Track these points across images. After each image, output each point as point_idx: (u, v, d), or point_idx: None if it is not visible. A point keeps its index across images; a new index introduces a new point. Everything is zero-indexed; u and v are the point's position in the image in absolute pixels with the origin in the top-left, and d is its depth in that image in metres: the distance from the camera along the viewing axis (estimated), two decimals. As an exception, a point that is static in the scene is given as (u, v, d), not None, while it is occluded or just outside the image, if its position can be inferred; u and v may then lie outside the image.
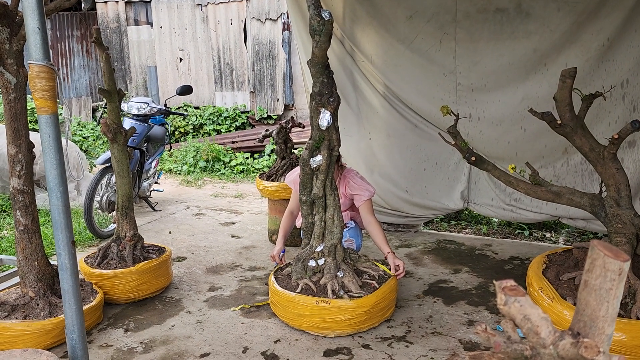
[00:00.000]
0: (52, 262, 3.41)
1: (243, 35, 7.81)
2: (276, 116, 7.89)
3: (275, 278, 2.85)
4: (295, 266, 2.79)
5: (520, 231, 4.33)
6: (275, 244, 4.14)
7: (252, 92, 8.04)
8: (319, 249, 2.78)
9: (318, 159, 2.68)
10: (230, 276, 3.48)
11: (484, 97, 3.85)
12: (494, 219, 4.56)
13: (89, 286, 2.89)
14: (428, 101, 4.03)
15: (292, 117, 4.06)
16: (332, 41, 4.27)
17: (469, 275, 3.40)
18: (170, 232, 4.41)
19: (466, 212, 4.57)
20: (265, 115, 7.89)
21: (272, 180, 4.00)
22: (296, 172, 3.05)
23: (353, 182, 3.10)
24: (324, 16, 2.47)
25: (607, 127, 3.58)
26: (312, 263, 2.77)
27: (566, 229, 4.34)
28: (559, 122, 2.60)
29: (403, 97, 4.13)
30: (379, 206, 4.31)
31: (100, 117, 6.68)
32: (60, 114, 7.04)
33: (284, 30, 7.65)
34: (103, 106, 4.67)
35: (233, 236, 4.32)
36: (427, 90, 4.01)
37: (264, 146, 7.15)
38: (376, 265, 2.88)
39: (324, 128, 2.62)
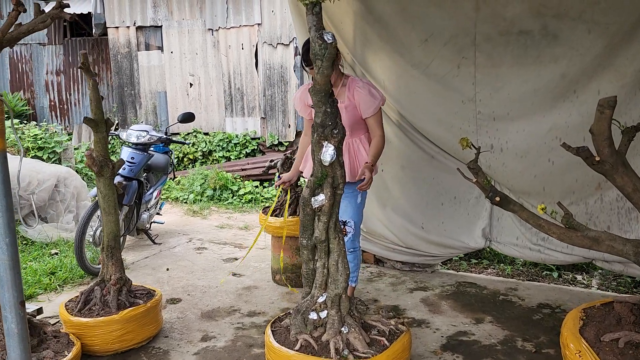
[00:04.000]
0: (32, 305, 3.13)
1: (254, 60, 7.62)
2: (287, 142, 7.63)
3: (272, 331, 2.52)
4: (294, 318, 2.46)
5: (548, 272, 3.95)
6: (278, 283, 3.85)
7: (263, 118, 7.80)
8: (321, 299, 2.45)
9: (320, 199, 2.37)
10: (226, 323, 3.16)
11: (507, 126, 3.52)
12: (503, 254, 4.18)
13: (65, 337, 2.59)
14: (446, 130, 3.72)
15: (298, 147, 3.76)
16: (344, 66, 4.05)
17: (493, 326, 3.03)
18: (167, 269, 4.12)
19: (488, 250, 4.21)
20: (276, 142, 7.64)
21: (275, 216, 3.70)
22: (300, 90, 3.13)
23: (360, 89, 2.99)
24: (326, 39, 2.19)
25: (646, 161, 3.22)
26: (313, 316, 2.43)
27: (599, 271, 3.94)
28: (597, 158, 2.26)
29: (418, 126, 3.83)
30: (392, 243, 3.98)
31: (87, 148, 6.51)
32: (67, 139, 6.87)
33: (295, 55, 7.44)
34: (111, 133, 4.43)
35: (234, 274, 4.01)
36: (444, 119, 3.70)
37: (274, 174, 6.87)
38: (386, 317, 2.53)
39: (327, 163, 2.32)
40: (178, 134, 8.02)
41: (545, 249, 3.63)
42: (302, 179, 3.99)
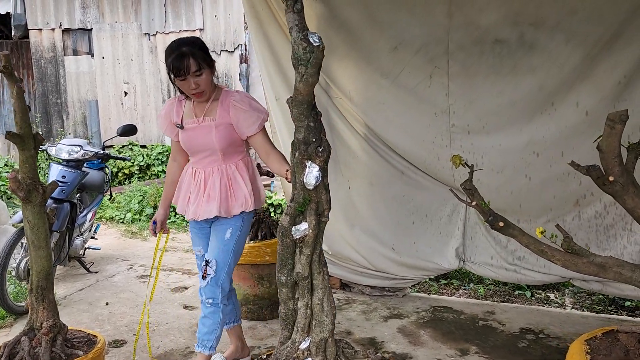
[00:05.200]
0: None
1: (196, 68, 7.15)
2: (233, 156, 7.20)
3: (244, 384, 2.14)
4: (272, 369, 2.09)
5: (520, 292, 3.79)
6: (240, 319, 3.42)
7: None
8: (304, 345, 2.10)
9: (302, 228, 2.03)
10: (183, 369, 2.73)
11: (482, 140, 3.33)
12: (478, 275, 4.01)
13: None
14: (417, 144, 3.47)
15: (259, 165, 3.40)
16: (303, 75, 3.72)
17: (480, 358, 2.79)
18: (107, 304, 3.61)
19: (456, 270, 4.00)
20: (220, 155, 7.19)
21: (234, 241, 3.30)
22: (166, 106, 2.64)
23: (238, 103, 2.48)
24: (312, 41, 1.86)
25: (625, 176, 3.11)
26: (295, 365, 2.08)
27: (570, 288, 3.82)
28: (611, 179, 2.06)
29: (387, 140, 3.56)
30: (361, 266, 3.68)
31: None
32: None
33: (241, 62, 7.05)
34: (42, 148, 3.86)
35: (186, 307, 3.56)
36: (415, 132, 3.46)
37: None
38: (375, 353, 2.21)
39: (311, 187, 1.98)
40: (112, 146, 7.38)
41: (521, 268, 3.45)
42: (273, 196, 3.63)
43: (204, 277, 2.53)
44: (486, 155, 3.34)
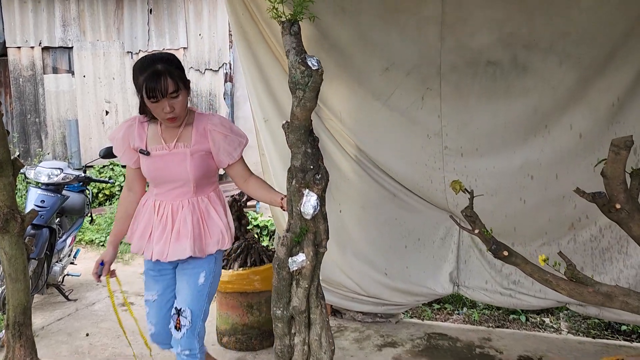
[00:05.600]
0: None
1: (179, 87, 7.04)
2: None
3: None
4: (267, 410, 1.97)
5: (515, 316, 3.71)
6: (226, 347, 3.28)
7: (189, 149, 7.21)
8: (301, 384, 1.98)
9: (300, 260, 1.93)
10: (169, 406, 2.58)
11: (475, 163, 3.27)
12: (472, 300, 3.93)
13: None
14: (409, 167, 3.41)
15: (241, 193, 3.29)
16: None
17: (480, 389, 2.69)
18: (87, 334, 3.44)
19: (449, 294, 3.92)
20: (204, 175, 7.05)
21: (223, 268, 3.17)
22: (122, 128, 2.30)
23: (218, 128, 2.23)
24: (310, 64, 1.79)
25: (620, 199, 3.08)
26: (291, 405, 1.96)
27: (564, 312, 3.76)
28: (617, 206, 2.00)
29: (379, 162, 3.49)
30: (353, 292, 3.58)
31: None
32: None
33: (225, 81, 6.97)
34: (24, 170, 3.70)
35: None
36: (408, 155, 3.39)
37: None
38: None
39: (308, 216, 1.89)
40: (92, 166, 7.20)
41: (517, 293, 3.38)
42: (254, 215, 3.49)
43: (177, 328, 2.25)
44: (480, 178, 3.29)
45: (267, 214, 5.86)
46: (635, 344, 3.26)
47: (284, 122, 1.97)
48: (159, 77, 2.03)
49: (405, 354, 3.11)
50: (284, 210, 2.18)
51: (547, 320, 3.67)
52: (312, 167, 1.91)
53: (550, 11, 2.93)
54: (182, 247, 2.21)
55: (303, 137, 1.91)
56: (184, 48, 7.01)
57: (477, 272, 3.49)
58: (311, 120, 1.95)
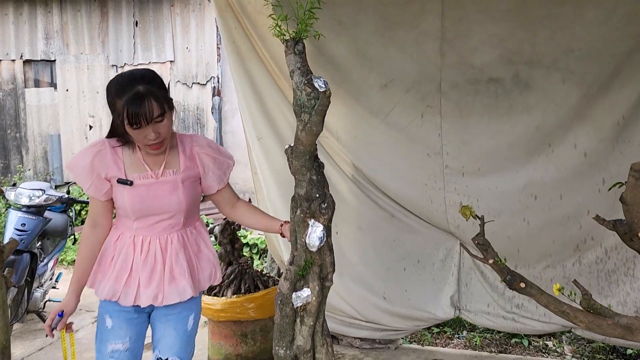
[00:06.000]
0: None
1: (166, 101, 6.88)
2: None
3: None
4: None
5: (517, 340, 3.60)
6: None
7: (176, 164, 7.04)
8: None
9: (304, 295, 1.80)
10: None
11: (477, 183, 3.17)
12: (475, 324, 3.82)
13: None
14: (408, 186, 3.29)
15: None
16: (287, 112, 3.50)
17: (488, 423, 2.56)
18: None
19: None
20: (191, 191, 6.87)
21: (215, 295, 3.02)
22: (89, 153, 1.93)
23: (206, 149, 2.02)
24: (317, 86, 1.67)
25: (626, 220, 2.99)
26: None
27: (567, 335, 3.65)
28: (640, 235, 1.89)
29: (377, 181, 3.37)
30: (351, 317, 3.44)
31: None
32: None
33: (213, 95, 6.82)
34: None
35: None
36: (407, 174, 3.28)
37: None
38: None
39: (314, 248, 1.76)
40: (74, 183, 6.98)
41: (520, 317, 3.28)
42: (242, 232, 3.34)
43: None
44: (482, 198, 3.18)
45: (257, 231, 5.70)
46: (643, 370, 3.16)
47: (287, 146, 1.84)
48: (142, 101, 1.75)
49: (407, 383, 2.97)
50: (282, 237, 2.05)
51: (549, 343, 3.56)
52: (317, 195, 1.78)
53: (554, 26, 2.86)
54: (180, 288, 1.96)
55: (308, 163, 1.79)
56: (171, 61, 6.86)
57: (479, 295, 3.37)
58: (316, 146, 1.82)
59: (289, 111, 3.45)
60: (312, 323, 1.81)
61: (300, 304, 1.79)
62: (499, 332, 3.69)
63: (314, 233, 1.75)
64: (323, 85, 1.68)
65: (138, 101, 1.74)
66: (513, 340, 3.60)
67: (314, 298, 1.79)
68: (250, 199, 6.82)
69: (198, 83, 6.80)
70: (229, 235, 3.09)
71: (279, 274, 3.79)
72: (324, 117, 1.72)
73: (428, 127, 3.18)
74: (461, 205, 2.19)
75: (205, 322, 3.94)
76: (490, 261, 2.07)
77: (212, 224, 6.34)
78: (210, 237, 3.50)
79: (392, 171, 3.31)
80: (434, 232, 3.41)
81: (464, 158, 3.16)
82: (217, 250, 3.24)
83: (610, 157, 2.96)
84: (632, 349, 3.40)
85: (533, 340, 3.59)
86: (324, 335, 1.86)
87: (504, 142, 3.08)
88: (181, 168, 1.95)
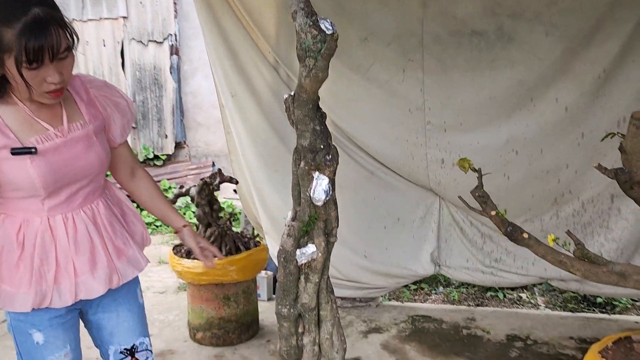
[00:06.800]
0: None
1: (120, 60, 6.50)
2: (165, 156, 6.64)
3: None
4: (273, 420, 1.76)
5: (492, 293, 3.67)
6: (200, 343, 2.99)
7: (133, 127, 6.71)
8: (311, 388, 1.78)
9: (310, 251, 1.71)
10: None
11: (459, 138, 3.14)
12: (453, 279, 3.87)
13: None
14: (390, 143, 3.24)
15: (220, 170, 3.01)
16: (263, 68, 3.36)
17: (476, 373, 2.60)
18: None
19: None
20: (151, 156, 6.60)
21: (194, 258, 2.89)
22: None
23: (110, 93, 1.67)
24: (324, 27, 1.55)
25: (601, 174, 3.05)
26: (302, 413, 1.76)
27: (539, 287, 3.76)
28: (642, 182, 1.90)
29: (357, 139, 3.30)
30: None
31: None
32: None
33: (171, 54, 6.49)
34: None
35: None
36: (388, 131, 3.22)
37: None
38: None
39: (320, 202, 1.66)
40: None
41: (498, 270, 3.32)
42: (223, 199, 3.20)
43: None
44: (463, 154, 3.12)
45: (223, 194, 5.54)
46: (613, 316, 3.29)
47: (286, 95, 1.72)
48: (45, 29, 1.30)
49: (392, 339, 2.98)
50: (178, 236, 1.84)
51: (523, 295, 3.66)
52: (322, 146, 1.67)
53: (537, -22, 2.81)
54: (132, 259, 1.67)
55: (311, 112, 1.68)
56: (124, 17, 6.45)
57: (458, 251, 3.40)
58: (318, 97, 1.71)
59: (265, 67, 3.30)
60: (317, 280, 1.74)
61: (305, 261, 1.71)
62: (474, 286, 3.76)
63: (319, 186, 1.65)
64: (330, 27, 1.55)
65: (39, 29, 1.29)
66: (488, 294, 3.67)
67: (319, 254, 1.70)
68: (213, 163, 6.63)
69: (154, 41, 6.45)
70: (207, 196, 2.95)
71: (254, 236, 3.70)
72: (328, 63, 1.60)
73: (410, 83, 3.11)
74: (458, 158, 2.12)
75: (178, 286, 3.83)
76: (493, 213, 2.04)
77: (174, 188, 6.14)
78: (184, 198, 3.36)
79: (373, 128, 3.24)
80: (413, 189, 3.39)
81: (446, 114, 3.12)
82: (195, 212, 3.11)
83: (589, 112, 2.98)
84: (601, 298, 3.54)
85: (507, 293, 3.67)
86: (328, 292, 1.79)
87: (486, 97, 3.05)
88: (86, 118, 1.57)
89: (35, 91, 1.38)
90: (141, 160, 6.64)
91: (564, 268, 2.06)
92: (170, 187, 6.10)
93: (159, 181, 6.16)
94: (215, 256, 1.88)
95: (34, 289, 1.48)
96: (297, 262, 1.72)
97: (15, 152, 1.39)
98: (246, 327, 2.97)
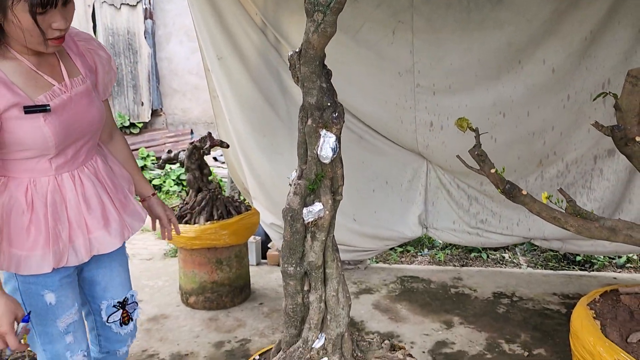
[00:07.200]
0: None
1: (92, 24, 6.27)
2: (141, 124, 6.50)
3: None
4: (281, 376, 1.78)
5: (476, 254, 3.76)
6: (193, 307, 2.97)
7: (107, 94, 6.53)
8: (318, 344, 1.81)
9: (317, 209, 1.71)
10: (146, 378, 2.32)
11: (447, 101, 3.16)
12: (437, 240, 3.95)
13: None
14: (378, 106, 3.23)
15: (210, 134, 2.96)
16: (250, 30, 3.29)
17: (467, 328, 2.69)
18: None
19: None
20: (127, 124, 6.45)
21: (186, 222, 2.87)
22: None
23: (97, 48, 1.65)
24: (333, -20, 1.51)
25: (587, 134, 3.12)
26: (309, 368, 1.79)
27: (520, 247, 3.87)
28: (637, 138, 1.95)
29: (346, 103, 3.26)
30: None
31: None
32: None
33: (145, 18, 6.29)
34: None
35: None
36: (377, 93, 3.21)
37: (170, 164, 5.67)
38: (392, 349, 1.99)
39: (327, 160, 1.66)
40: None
41: (484, 231, 3.40)
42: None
43: (125, 323, 1.77)
44: (452, 116, 3.18)
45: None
46: (592, 273, 3.41)
47: (291, 52, 1.69)
48: None
49: (383, 299, 3.04)
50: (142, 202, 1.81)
51: (506, 255, 3.76)
52: (329, 104, 1.66)
53: None
54: (135, 212, 1.69)
55: (318, 69, 1.66)
56: (94, -21, 6.20)
57: (445, 213, 3.45)
58: (324, 53, 1.69)
59: (252, 29, 3.23)
60: (323, 238, 1.75)
61: (312, 219, 1.71)
62: (459, 248, 3.85)
63: (327, 144, 1.65)
64: (339, -21, 1.52)
65: None
66: (472, 255, 3.76)
67: (326, 212, 1.71)
68: (192, 130, 6.52)
69: (127, 4, 6.22)
70: (197, 160, 2.91)
71: (243, 201, 3.68)
72: (336, 18, 1.58)
73: (399, 44, 3.08)
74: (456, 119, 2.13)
75: (165, 253, 3.81)
76: (492, 170, 2.07)
77: (153, 156, 6.04)
78: (175, 163, 3.31)
79: (362, 91, 3.23)
80: (402, 153, 3.41)
81: (435, 76, 3.12)
82: (185, 177, 3.07)
83: (576, 73, 3.02)
84: (580, 256, 3.66)
85: (491, 254, 3.77)
86: (333, 250, 1.81)
87: (475, 59, 3.06)
88: (82, 72, 1.55)
89: (37, 40, 1.34)
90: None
91: (557, 224, 2.12)
92: (148, 155, 5.99)
93: (137, 149, 6.04)
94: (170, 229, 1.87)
95: (52, 249, 1.46)
96: (303, 220, 1.72)
97: (29, 110, 1.36)
98: (239, 291, 2.99)
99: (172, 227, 1.86)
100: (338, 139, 1.68)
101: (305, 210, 1.71)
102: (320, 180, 1.71)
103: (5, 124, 1.35)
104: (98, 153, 1.65)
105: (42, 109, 1.38)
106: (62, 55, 1.52)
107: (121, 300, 1.74)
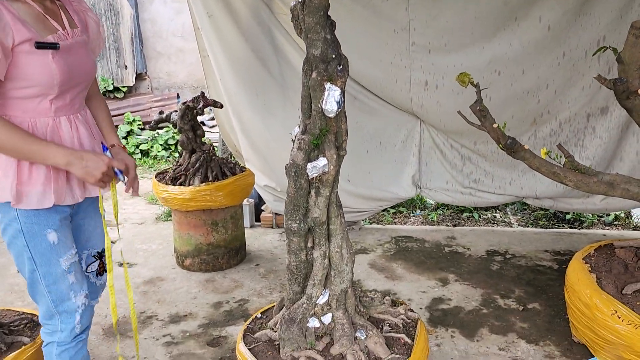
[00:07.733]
0: None
1: (70, -16, 6.03)
2: (126, 88, 6.34)
3: (250, 350, 1.81)
4: (286, 330, 1.79)
5: (467, 214, 3.80)
6: (189, 269, 2.95)
7: (88, 57, 6.34)
8: (322, 300, 1.81)
9: (321, 164, 1.69)
10: (147, 339, 2.32)
11: (443, 60, 3.12)
12: (429, 200, 3.97)
13: None
14: (373, 66, 3.19)
15: (203, 93, 2.89)
16: (241, -14, 3.18)
17: (462, 285, 2.72)
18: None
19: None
20: (111, 88, 6.28)
21: (180, 184, 2.83)
22: None
23: (88, 9, 1.71)
24: None
25: (581, 92, 3.13)
26: (314, 323, 1.80)
27: (510, 207, 3.91)
28: (639, 91, 1.94)
29: (340, 62, 3.21)
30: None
31: None
32: None
33: (127, -23, 6.06)
34: None
35: (122, 265, 3.06)
36: (372, 52, 3.16)
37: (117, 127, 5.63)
38: (394, 305, 2.01)
39: (332, 114, 1.63)
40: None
41: (477, 191, 3.42)
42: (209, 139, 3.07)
43: (100, 273, 1.79)
44: (447, 75, 3.16)
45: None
46: (582, 231, 3.47)
47: (294, 2, 1.63)
48: None
49: (379, 259, 3.05)
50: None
51: (497, 215, 3.79)
52: (334, 56, 1.62)
53: None
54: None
55: (322, 20, 1.61)
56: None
57: (439, 173, 3.46)
58: (328, 2, 1.63)
59: (242, -15, 3.14)
60: (328, 194, 1.73)
61: (316, 175, 1.69)
62: (450, 208, 3.87)
63: (332, 97, 1.61)
64: None
65: None
66: (464, 215, 3.79)
67: (331, 167, 1.69)
68: (178, 95, 6.39)
69: (107, -38, 5.99)
70: (190, 121, 2.85)
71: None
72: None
73: (395, 1, 3.02)
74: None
75: (156, 217, 3.77)
76: (495, 125, 2.07)
77: (138, 121, 5.93)
78: (167, 124, 3.24)
79: (357, 50, 3.16)
80: (395, 113, 3.39)
81: (431, 34, 3.08)
82: (174, 140, 3.02)
83: (571, 30, 3.00)
84: (569, 214, 3.71)
85: (482, 214, 3.80)
86: (337, 206, 1.79)
87: (471, 16, 3.01)
88: (79, 25, 1.61)
89: None
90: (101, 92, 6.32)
91: (557, 179, 2.13)
92: (134, 120, 5.87)
93: (122, 114, 5.92)
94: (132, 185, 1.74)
95: (52, 186, 1.51)
96: (307, 176, 1.70)
97: (40, 45, 1.43)
98: (235, 252, 2.98)
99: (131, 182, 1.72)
100: (343, 92, 1.65)
101: (309, 165, 1.68)
102: (324, 135, 1.68)
103: (16, 57, 1.41)
104: (85, 104, 1.70)
105: (53, 46, 1.45)
106: (63, 9, 1.60)
107: (100, 250, 1.78)
